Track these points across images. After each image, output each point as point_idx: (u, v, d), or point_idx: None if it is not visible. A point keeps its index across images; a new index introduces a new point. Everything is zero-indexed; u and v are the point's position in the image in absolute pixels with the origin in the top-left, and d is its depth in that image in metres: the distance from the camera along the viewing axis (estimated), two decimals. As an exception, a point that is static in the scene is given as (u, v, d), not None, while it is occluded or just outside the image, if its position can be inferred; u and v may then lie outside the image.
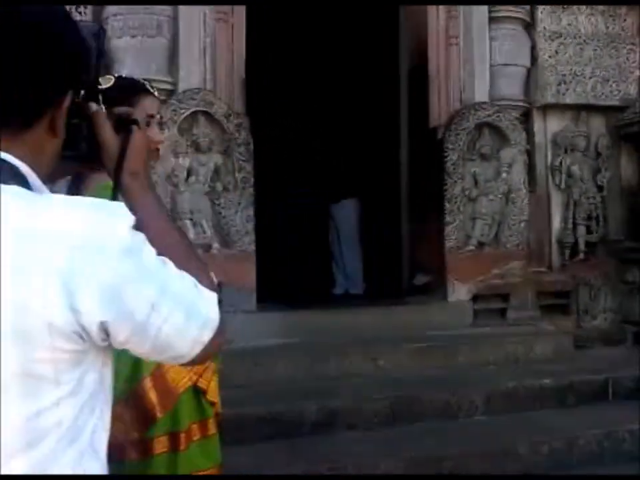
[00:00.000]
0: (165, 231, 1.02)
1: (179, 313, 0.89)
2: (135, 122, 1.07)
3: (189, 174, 4.21)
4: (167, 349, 0.90)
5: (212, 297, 0.96)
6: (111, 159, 1.05)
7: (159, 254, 0.90)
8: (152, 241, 0.91)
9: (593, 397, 4.00)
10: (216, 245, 4.23)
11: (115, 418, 1.57)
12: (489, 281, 4.75)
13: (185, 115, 4.14)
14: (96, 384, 0.89)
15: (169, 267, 0.90)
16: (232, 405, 3.02)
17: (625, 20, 5.20)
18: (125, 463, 1.64)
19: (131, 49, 4.23)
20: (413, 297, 5.13)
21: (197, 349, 0.92)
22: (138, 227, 0.89)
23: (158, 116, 1.79)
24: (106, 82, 1.72)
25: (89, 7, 4.24)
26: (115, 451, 1.61)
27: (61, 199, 0.87)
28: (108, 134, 1.05)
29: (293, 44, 7.08)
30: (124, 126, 1.06)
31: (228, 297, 4.48)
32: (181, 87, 4.31)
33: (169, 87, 4.27)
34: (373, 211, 6.26)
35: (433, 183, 4.80)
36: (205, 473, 1.72)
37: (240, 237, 4.24)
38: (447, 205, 4.67)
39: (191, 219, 4.20)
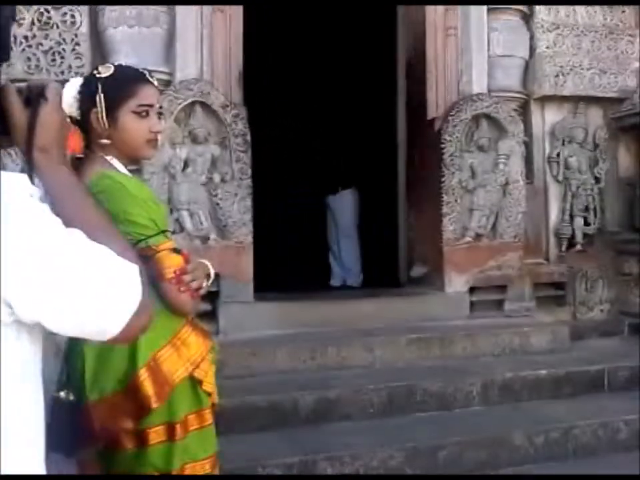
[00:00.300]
0: (80, 207, 1.01)
1: (89, 288, 0.87)
2: (43, 96, 1.03)
3: (185, 165, 4.20)
4: (81, 325, 0.88)
5: (131, 272, 0.93)
6: (21, 135, 1.02)
7: (76, 229, 0.89)
8: (65, 217, 0.90)
9: (589, 387, 4.02)
10: (213, 236, 4.23)
11: (111, 408, 1.59)
12: (486, 272, 4.76)
13: (182, 105, 4.13)
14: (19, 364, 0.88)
15: (77, 240, 0.89)
16: (229, 395, 3.03)
17: (623, 11, 5.18)
18: (120, 453, 1.64)
19: (128, 39, 4.21)
20: (410, 288, 5.15)
21: (117, 325, 0.90)
22: (52, 204, 0.89)
23: (157, 105, 1.78)
24: (105, 70, 1.72)
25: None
26: (110, 441, 1.63)
27: None
28: (16, 109, 1.02)
29: (289, 34, 7.06)
30: (32, 101, 1.03)
31: (225, 288, 4.53)
32: (178, 77, 4.29)
33: (165, 77, 4.25)
34: (371, 202, 6.26)
35: (430, 174, 4.80)
36: (201, 462, 1.73)
37: (237, 228, 4.24)
38: (444, 197, 4.67)
39: (188, 210, 4.19)
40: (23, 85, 1.05)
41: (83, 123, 1.70)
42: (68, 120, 1.27)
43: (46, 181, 1.01)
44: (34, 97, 1.03)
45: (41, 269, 0.85)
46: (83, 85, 1.71)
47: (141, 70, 1.78)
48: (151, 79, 1.76)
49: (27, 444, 0.90)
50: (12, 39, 4.03)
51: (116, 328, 0.91)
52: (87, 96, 1.69)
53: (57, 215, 0.91)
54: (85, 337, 0.93)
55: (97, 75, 1.72)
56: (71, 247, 0.88)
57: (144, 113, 1.72)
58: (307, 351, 3.95)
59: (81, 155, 1.71)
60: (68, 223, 0.91)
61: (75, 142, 1.69)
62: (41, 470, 0.94)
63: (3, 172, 0.87)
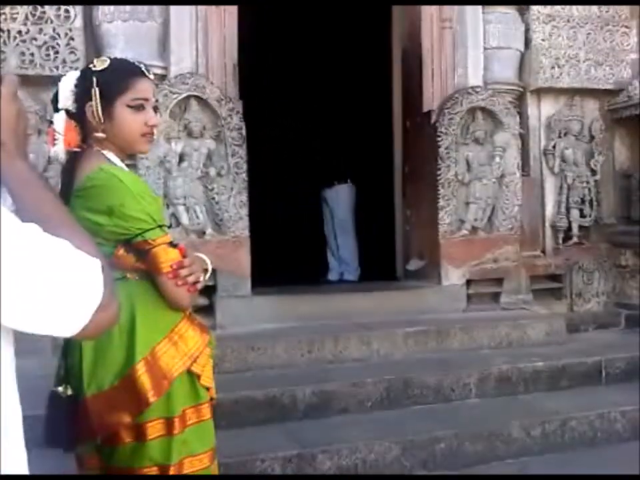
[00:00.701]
0: (40, 201, 0.99)
1: (46, 282, 0.86)
2: None
3: (181, 159, 4.19)
4: (40, 321, 0.88)
5: (92, 266, 0.92)
6: None
7: (37, 224, 0.88)
8: (25, 212, 0.89)
9: (585, 379, 4.04)
10: (209, 231, 4.23)
11: (109, 403, 1.59)
12: (482, 265, 4.76)
13: (177, 99, 4.12)
14: None
15: (33, 234, 0.88)
16: (227, 389, 3.04)
17: (618, 2, 5.18)
18: (119, 447, 1.64)
19: (122, 33, 4.19)
20: (407, 281, 5.15)
21: (78, 320, 0.90)
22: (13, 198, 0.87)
23: (153, 99, 1.77)
24: (101, 64, 1.71)
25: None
26: (109, 435, 1.63)
27: None
28: None
29: (284, 27, 7.04)
30: None
31: (222, 283, 4.53)
32: (173, 71, 4.28)
33: (160, 71, 4.23)
34: (367, 196, 6.25)
35: (427, 167, 4.80)
36: (199, 457, 1.72)
37: (233, 222, 4.23)
38: (441, 190, 4.67)
39: (184, 205, 4.18)
40: None
41: (79, 116, 1.69)
42: (28, 113, 1.24)
43: (4, 175, 0.98)
44: None
45: (6, 269, 0.83)
46: (78, 79, 1.70)
47: (137, 63, 1.77)
48: (146, 73, 1.75)
49: (8, 443, 0.89)
50: (5, 33, 4.01)
51: (78, 323, 0.90)
52: (82, 90, 1.68)
53: (16, 210, 0.90)
54: (47, 334, 0.90)
55: (93, 69, 1.71)
56: (27, 241, 0.87)
57: (140, 107, 1.72)
58: (304, 344, 3.95)
59: (78, 149, 1.70)
60: (27, 218, 0.89)
61: (72, 136, 1.68)
62: (24, 468, 0.93)
63: None
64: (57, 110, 1.70)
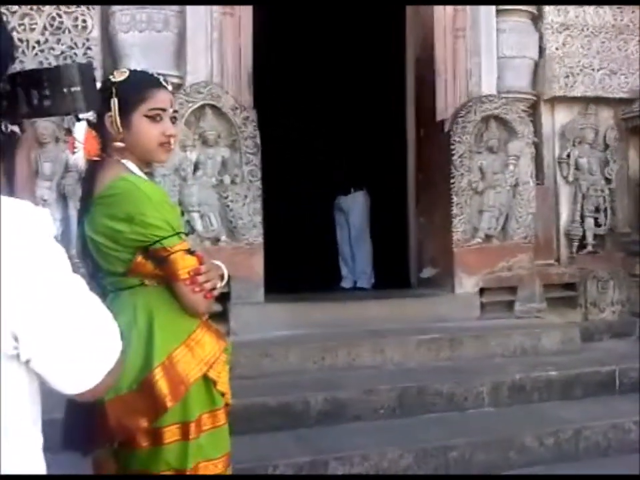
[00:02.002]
0: None
1: (84, 338, 0.89)
2: None
3: (196, 167, 4.23)
4: (65, 372, 0.90)
5: (115, 331, 0.96)
6: None
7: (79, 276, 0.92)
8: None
9: (599, 388, 4.01)
10: (224, 238, 4.26)
11: (126, 407, 1.61)
12: (496, 273, 4.76)
13: (192, 108, 4.16)
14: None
15: (82, 289, 0.91)
16: (240, 395, 3.04)
17: (633, 12, 5.18)
18: (135, 451, 1.66)
19: (138, 43, 4.24)
20: (420, 289, 5.15)
21: (94, 379, 0.93)
22: None
23: (171, 110, 1.80)
24: (120, 75, 1.75)
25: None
26: (126, 440, 1.65)
27: None
28: None
29: (297, 34, 7.08)
30: None
31: (236, 289, 4.54)
32: (188, 80, 4.32)
33: (176, 80, 4.28)
34: (380, 204, 6.26)
35: (440, 175, 4.81)
36: (214, 462, 1.74)
37: (247, 229, 4.26)
38: (454, 198, 4.68)
39: (199, 212, 4.22)
40: None
41: (99, 126, 1.72)
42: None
43: None
44: None
45: (51, 311, 0.86)
46: (99, 90, 1.74)
47: (155, 75, 1.81)
48: (164, 84, 1.79)
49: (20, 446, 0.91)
50: (24, 43, 4.08)
51: (92, 382, 0.93)
52: (102, 100, 1.72)
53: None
54: (58, 385, 0.93)
55: (112, 80, 1.75)
56: (77, 297, 0.90)
57: (157, 117, 1.75)
58: (317, 351, 3.96)
59: (98, 158, 1.73)
60: None
61: (92, 145, 1.72)
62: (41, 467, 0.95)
63: (28, 204, 0.89)
64: (78, 119, 1.74)
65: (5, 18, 3.57)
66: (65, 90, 1.02)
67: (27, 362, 0.88)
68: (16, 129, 1.07)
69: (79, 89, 1.03)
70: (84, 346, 0.90)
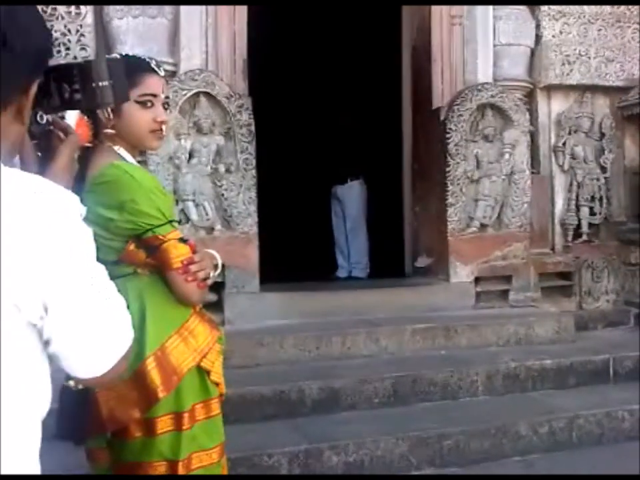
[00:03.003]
0: None
1: (105, 321, 0.92)
2: None
3: (190, 156, 4.21)
4: (85, 352, 0.92)
5: (128, 318, 0.99)
6: None
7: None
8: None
9: (593, 377, 4.03)
10: (218, 227, 4.24)
11: (118, 397, 1.60)
12: (491, 262, 4.75)
13: (187, 96, 4.13)
14: None
15: (104, 273, 0.94)
16: (236, 384, 3.05)
17: (630, -1, 5.15)
18: (128, 441, 1.66)
19: (133, 30, 4.20)
20: (415, 278, 5.15)
21: (109, 363, 0.95)
22: None
23: (163, 95, 1.78)
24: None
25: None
26: (119, 430, 1.64)
27: None
28: None
29: (293, 22, 7.03)
30: None
31: (231, 279, 4.53)
32: (183, 68, 4.29)
33: (170, 68, 4.24)
34: (376, 193, 6.24)
35: (436, 164, 4.79)
36: (208, 452, 1.74)
37: (242, 218, 4.24)
38: (450, 187, 4.66)
39: (194, 201, 4.20)
40: None
41: (90, 112, 1.70)
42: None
43: None
44: None
45: (80, 289, 0.89)
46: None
47: (147, 59, 1.78)
48: (156, 69, 1.76)
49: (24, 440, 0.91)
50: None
51: (106, 367, 0.95)
52: None
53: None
54: (73, 367, 0.94)
55: None
56: (102, 281, 0.94)
57: (148, 103, 1.72)
58: (312, 340, 3.96)
59: (90, 145, 1.71)
60: None
61: (83, 131, 1.69)
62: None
63: (59, 188, 0.91)
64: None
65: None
66: (94, 84, 1.06)
67: (47, 342, 0.89)
68: (51, 119, 1.12)
69: (107, 83, 1.08)
70: (104, 330, 0.93)
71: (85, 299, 0.89)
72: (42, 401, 0.92)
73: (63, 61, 4.08)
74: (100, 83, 1.07)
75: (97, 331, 0.92)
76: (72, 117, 1.69)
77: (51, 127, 1.16)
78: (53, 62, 1.05)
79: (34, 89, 0.95)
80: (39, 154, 1.21)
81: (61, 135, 1.27)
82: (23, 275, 0.83)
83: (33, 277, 0.84)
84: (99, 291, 0.92)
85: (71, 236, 0.88)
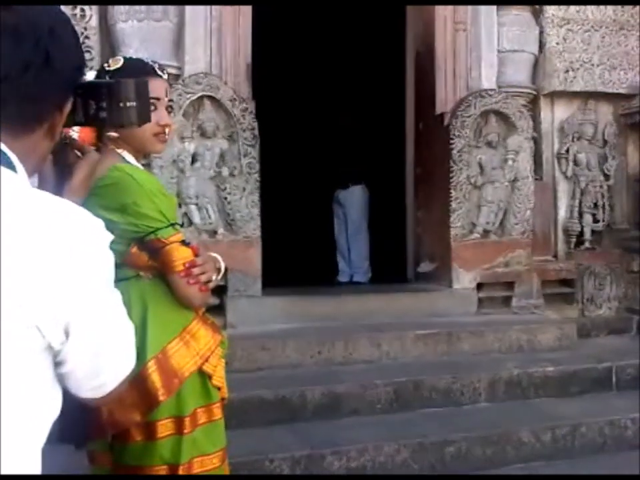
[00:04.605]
0: None
1: (116, 345, 0.94)
2: None
3: (194, 159, 4.21)
4: (93, 375, 0.93)
5: (133, 339, 1.00)
6: None
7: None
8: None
9: (596, 385, 4.01)
10: (221, 230, 4.24)
11: (119, 400, 1.59)
12: (493, 268, 4.74)
13: (191, 99, 4.13)
14: None
15: (119, 299, 0.95)
16: (237, 389, 3.03)
17: (633, 7, 5.14)
18: (129, 445, 1.65)
19: (137, 33, 4.21)
20: (417, 284, 5.14)
21: (112, 384, 0.96)
22: None
23: (166, 99, 1.78)
24: (115, 64, 1.72)
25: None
26: (120, 433, 1.64)
27: None
28: None
29: (298, 26, 7.04)
30: None
31: (233, 282, 4.52)
32: (187, 71, 4.29)
33: (174, 71, 4.25)
34: (379, 198, 6.24)
35: (439, 169, 4.79)
36: (209, 457, 1.73)
37: (245, 222, 4.24)
38: (453, 192, 4.66)
39: (197, 204, 4.19)
40: None
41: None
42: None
43: None
44: None
45: (100, 315, 0.89)
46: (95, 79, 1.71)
47: (150, 63, 1.78)
48: (159, 72, 1.76)
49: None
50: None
51: (110, 388, 0.96)
52: None
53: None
54: (80, 389, 0.95)
55: (107, 69, 1.73)
56: (118, 306, 0.95)
57: (151, 107, 1.72)
58: (314, 345, 3.95)
59: (94, 148, 1.71)
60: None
61: (87, 134, 1.69)
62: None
63: (86, 213, 0.91)
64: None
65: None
66: (121, 104, 1.09)
67: (58, 363, 0.89)
68: (73, 134, 1.13)
69: (134, 104, 1.11)
70: (115, 355, 0.95)
71: (104, 327, 0.90)
72: (50, 412, 0.92)
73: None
74: (127, 104, 1.10)
75: (109, 357, 0.93)
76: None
77: (67, 142, 1.17)
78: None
79: (68, 106, 0.96)
80: (54, 167, 1.23)
81: (78, 153, 1.29)
82: (48, 300, 0.83)
83: (58, 302, 0.84)
84: (116, 318, 0.93)
85: (97, 262, 0.88)
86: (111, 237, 0.92)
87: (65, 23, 0.93)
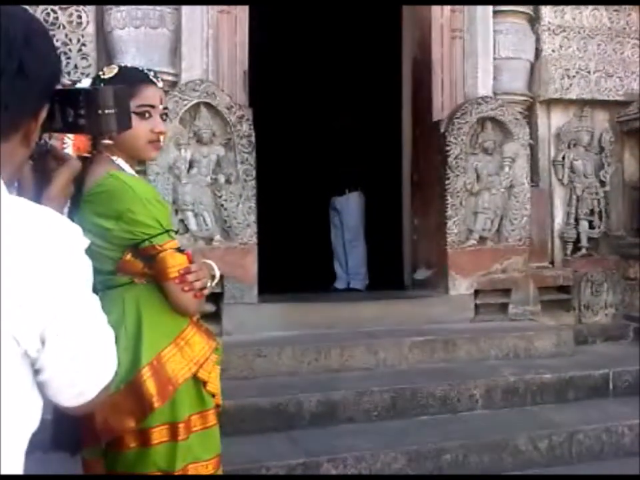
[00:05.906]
0: None
1: (95, 353, 0.94)
2: None
3: (190, 166, 4.21)
4: (72, 383, 0.93)
5: (113, 348, 1.00)
6: None
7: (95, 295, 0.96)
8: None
9: (593, 392, 4.01)
10: (217, 237, 4.23)
11: (113, 407, 1.59)
12: (490, 275, 4.74)
13: (187, 106, 4.13)
14: None
15: (98, 305, 0.95)
16: (233, 396, 3.03)
17: (629, 14, 5.17)
18: (123, 452, 1.64)
19: (134, 40, 4.21)
20: (414, 291, 5.13)
21: (93, 392, 0.96)
22: None
23: (161, 106, 1.78)
24: (109, 72, 1.72)
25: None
26: (114, 440, 1.63)
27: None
28: None
29: (294, 33, 7.06)
30: None
31: (229, 289, 4.52)
32: (184, 78, 4.30)
33: (171, 78, 4.26)
34: (375, 205, 6.24)
35: (435, 176, 4.80)
36: (204, 464, 1.72)
37: (241, 229, 4.24)
38: (449, 199, 4.66)
39: (193, 211, 4.19)
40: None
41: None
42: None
43: None
44: None
45: (77, 323, 0.89)
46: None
47: (145, 70, 1.78)
48: (154, 80, 1.76)
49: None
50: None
51: (89, 396, 0.96)
52: None
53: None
54: (59, 397, 0.95)
55: (102, 77, 1.73)
56: (96, 313, 0.94)
57: (146, 114, 1.72)
58: (311, 352, 3.94)
59: (88, 155, 1.71)
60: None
61: (81, 141, 1.69)
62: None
63: (63, 219, 0.92)
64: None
65: None
66: (99, 111, 1.08)
67: (37, 371, 0.89)
68: (67, 141, 1.13)
69: (113, 111, 1.09)
70: (94, 363, 0.94)
71: (81, 334, 0.90)
72: (30, 422, 0.91)
73: (65, 70, 4.10)
74: (106, 111, 1.09)
75: (87, 364, 0.93)
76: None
77: (48, 148, 1.18)
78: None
79: (43, 113, 0.95)
80: (34, 174, 1.22)
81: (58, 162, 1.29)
82: (23, 308, 0.83)
83: (33, 310, 0.83)
84: (94, 325, 0.93)
85: (73, 270, 0.88)
86: (87, 242, 0.91)
87: (42, 32, 0.93)
